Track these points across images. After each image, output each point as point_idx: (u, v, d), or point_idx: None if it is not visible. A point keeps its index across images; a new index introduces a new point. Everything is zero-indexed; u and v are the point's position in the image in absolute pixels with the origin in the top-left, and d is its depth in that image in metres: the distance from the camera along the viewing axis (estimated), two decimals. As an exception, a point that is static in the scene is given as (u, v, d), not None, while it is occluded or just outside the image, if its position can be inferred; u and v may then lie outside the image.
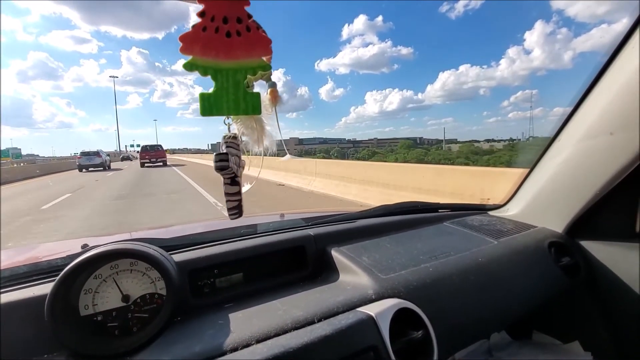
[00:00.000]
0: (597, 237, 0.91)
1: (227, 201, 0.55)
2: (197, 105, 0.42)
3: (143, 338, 0.53)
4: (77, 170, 20.60)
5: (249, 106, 0.39)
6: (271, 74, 0.46)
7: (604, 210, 0.88)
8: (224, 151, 0.48)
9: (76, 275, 0.54)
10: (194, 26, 0.36)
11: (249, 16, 0.38)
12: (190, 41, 0.36)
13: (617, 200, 0.86)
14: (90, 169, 20.39)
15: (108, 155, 24.29)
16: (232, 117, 0.48)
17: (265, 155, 0.53)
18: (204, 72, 0.38)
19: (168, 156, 24.82)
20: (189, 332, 0.55)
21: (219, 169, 0.48)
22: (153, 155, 22.69)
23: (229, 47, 0.37)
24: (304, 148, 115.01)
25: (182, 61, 0.39)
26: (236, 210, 0.55)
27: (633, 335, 0.84)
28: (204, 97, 0.38)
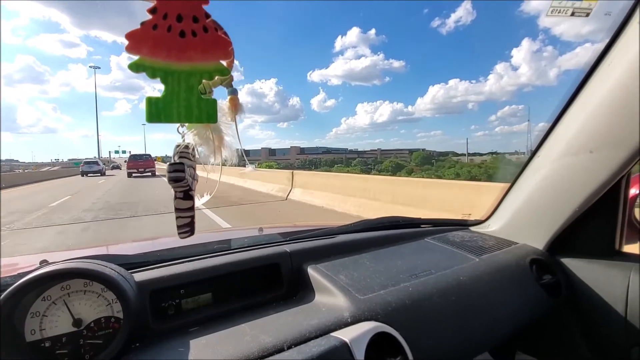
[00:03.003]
0: (578, 255, 0.90)
1: (177, 217, 0.50)
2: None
3: None
4: (57, 179, 23.13)
5: (203, 113, 0.36)
6: (232, 80, 0.42)
7: (583, 227, 0.87)
8: (178, 161, 0.44)
9: (20, 297, 0.49)
10: (143, 23, 0.33)
11: (207, 15, 0.34)
12: (138, 39, 0.32)
13: (597, 217, 0.86)
14: (89, 175, 24.98)
15: (104, 163, 31.79)
16: (186, 126, 0.44)
17: (224, 165, 0.49)
18: (152, 74, 0.34)
19: (159, 166, 24.38)
20: None
21: (173, 180, 0.44)
22: (141, 165, 21.86)
23: (182, 47, 0.33)
24: (308, 157, 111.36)
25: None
26: (188, 228, 0.50)
27: (614, 354, 0.83)
28: (151, 102, 0.34)
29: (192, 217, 0.50)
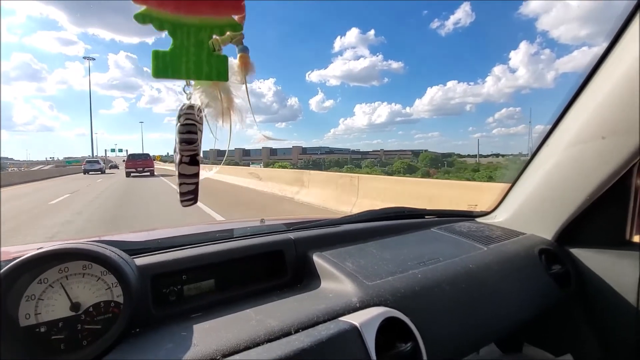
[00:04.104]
0: (587, 245, 0.88)
1: (181, 184, 0.46)
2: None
3: (93, 353, 0.46)
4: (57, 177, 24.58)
5: (214, 70, 0.33)
6: (242, 37, 0.40)
7: (593, 217, 0.86)
8: (185, 123, 0.41)
9: (14, 279, 0.47)
10: None
11: (218, -33, 0.32)
12: (145, -11, 0.30)
13: (607, 207, 0.84)
14: (90, 173, 26.35)
15: (104, 162, 35.43)
16: (192, 84, 0.41)
17: (231, 131, 0.46)
18: (160, 26, 0.32)
19: (158, 165, 24.27)
20: (145, 346, 0.48)
21: (186, 142, 0.41)
22: (140, 164, 21.38)
23: (192, -1, 0.31)
24: (311, 158, 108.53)
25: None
26: (192, 195, 0.47)
27: (624, 346, 0.81)
28: (158, 55, 0.32)
29: (197, 184, 0.47)
